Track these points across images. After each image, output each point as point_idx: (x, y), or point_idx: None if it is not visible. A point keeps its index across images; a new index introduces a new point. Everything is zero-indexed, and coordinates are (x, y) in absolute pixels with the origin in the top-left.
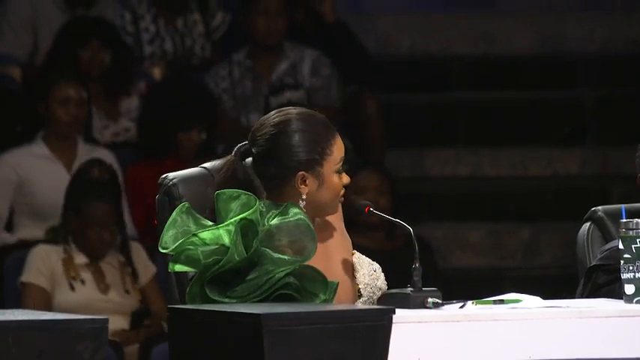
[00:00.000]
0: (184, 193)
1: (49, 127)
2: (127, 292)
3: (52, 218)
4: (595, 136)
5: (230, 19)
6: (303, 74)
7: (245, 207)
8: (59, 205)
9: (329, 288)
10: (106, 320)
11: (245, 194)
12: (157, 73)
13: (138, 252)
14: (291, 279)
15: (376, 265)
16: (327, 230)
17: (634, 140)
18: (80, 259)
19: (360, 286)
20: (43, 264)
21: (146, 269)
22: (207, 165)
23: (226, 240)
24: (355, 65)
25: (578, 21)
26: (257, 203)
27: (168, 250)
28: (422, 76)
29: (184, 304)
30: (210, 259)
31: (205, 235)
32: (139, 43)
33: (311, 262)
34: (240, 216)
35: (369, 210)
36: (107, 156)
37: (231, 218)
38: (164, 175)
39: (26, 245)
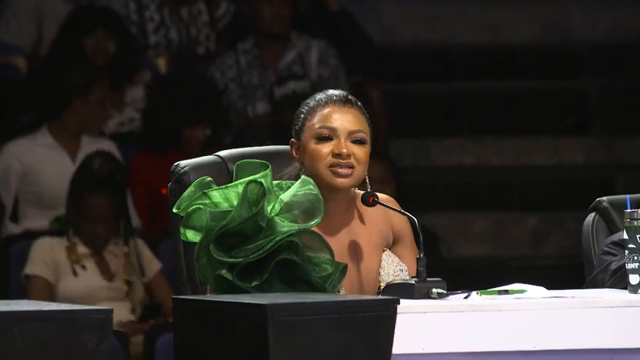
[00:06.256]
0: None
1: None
2: (130, 282)
3: (57, 207)
4: (599, 126)
5: (234, 9)
6: (310, 64)
7: (257, 172)
8: (64, 194)
9: (336, 266)
10: (111, 311)
11: (261, 162)
12: (161, 62)
13: (142, 248)
14: (295, 239)
15: (404, 267)
16: (366, 231)
17: (638, 129)
18: (82, 248)
19: (381, 284)
20: (47, 256)
21: (151, 264)
22: (222, 153)
23: (234, 200)
24: (359, 55)
25: (582, 10)
26: (268, 168)
27: (180, 209)
28: (426, 65)
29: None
30: (218, 223)
31: (214, 193)
32: (144, 32)
33: (339, 257)
34: (249, 178)
35: (373, 200)
36: (110, 146)
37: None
38: (176, 163)
39: (31, 235)
